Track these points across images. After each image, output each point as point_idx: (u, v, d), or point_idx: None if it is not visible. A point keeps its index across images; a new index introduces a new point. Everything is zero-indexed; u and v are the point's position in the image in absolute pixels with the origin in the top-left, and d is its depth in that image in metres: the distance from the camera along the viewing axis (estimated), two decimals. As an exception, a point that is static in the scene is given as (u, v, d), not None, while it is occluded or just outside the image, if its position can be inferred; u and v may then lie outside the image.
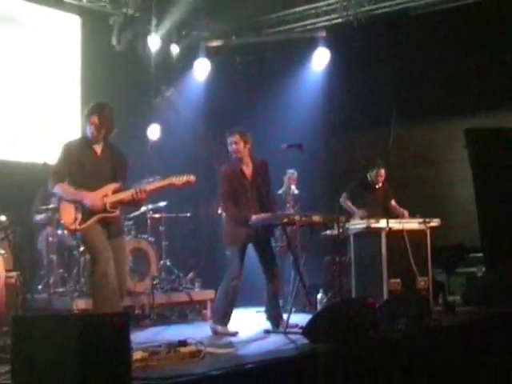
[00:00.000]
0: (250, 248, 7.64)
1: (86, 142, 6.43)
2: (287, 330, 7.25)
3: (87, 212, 6.18)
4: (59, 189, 6.28)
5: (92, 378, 4.01)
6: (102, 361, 4.09)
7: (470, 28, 10.97)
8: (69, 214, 6.20)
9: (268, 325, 7.71)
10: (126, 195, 6.32)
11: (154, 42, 11.19)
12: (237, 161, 7.66)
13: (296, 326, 7.33)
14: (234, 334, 7.32)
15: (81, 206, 6.19)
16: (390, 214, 9.53)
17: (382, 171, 9.96)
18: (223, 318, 7.48)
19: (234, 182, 7.58)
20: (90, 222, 6.21)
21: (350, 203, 9.84)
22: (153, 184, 6.64)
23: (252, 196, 7.63)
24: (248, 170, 7.68)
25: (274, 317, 7.67)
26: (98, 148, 6.42)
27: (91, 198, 6.18)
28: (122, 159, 6.56)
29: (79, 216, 6.18)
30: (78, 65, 10.95)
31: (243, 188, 7.60)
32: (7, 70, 9.84)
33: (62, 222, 6.31)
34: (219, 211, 8.47)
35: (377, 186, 10.00)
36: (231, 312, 7.56)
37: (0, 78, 9.76)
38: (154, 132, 11.31)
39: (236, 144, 7.57)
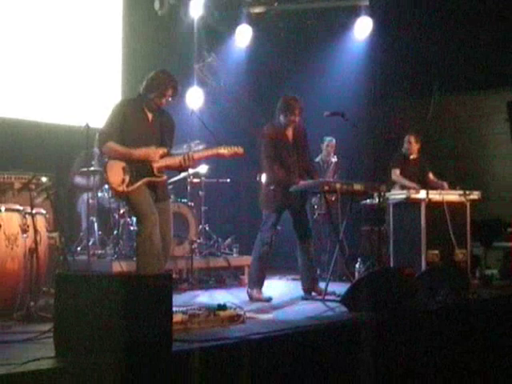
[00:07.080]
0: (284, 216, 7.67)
1: (138, 105, 6.43)
2: (325, 297, 7.27)
3: (135, 174, 6.20)
4: (108, 147, 6.26)
5: (134, 338, 4.04)
6: (144, 321, 4.11)
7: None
8: (116, 175, 6.18)
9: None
10: (173, 161, 6.35)
11: (196, 6, 11.17)
12: (284, 124, 7.62)
13: (333, 293, 7.38)
14: (268, 300, 7.35)
15: (129, 167, 6.20)
16: (427, 188, 9.45)
17: (412, 137, 9.81)
18: (257, 282, 7.56)
19: (279, 144, 7.57)
20: (137, 184, 6.22)
21: (402, 178, 9.63)
22: (201, 152, 6.65)
23: (294, 160, 7.62)
24: (289, 133, 7.67)
25: (311, 281, 7.70)
26: (150, 113, 6.43)
27: (145, 151, 6.21)
28: (170, 124, 6.57)
29: (127, 178, 6.18)
30: (119, 28, 10.95)
31: (287, 151, 7.60)
32: (48, 30, 9.83)
33: (110, 182, 6.25)
34: (258, 178, 8.41)
35: (411, 157, 9.84)
36: (264, 277, 7.64)
37: (41, 40, 9.76)
38: (195, 97, 11.30)
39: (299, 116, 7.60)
